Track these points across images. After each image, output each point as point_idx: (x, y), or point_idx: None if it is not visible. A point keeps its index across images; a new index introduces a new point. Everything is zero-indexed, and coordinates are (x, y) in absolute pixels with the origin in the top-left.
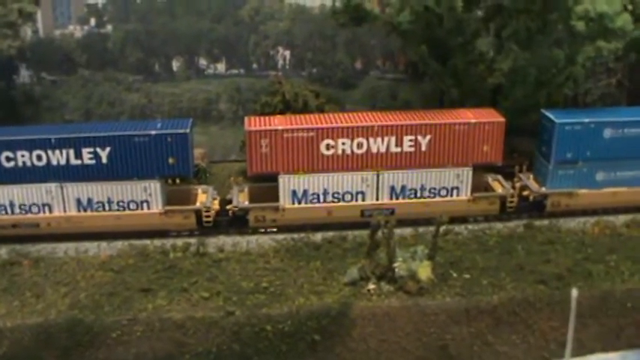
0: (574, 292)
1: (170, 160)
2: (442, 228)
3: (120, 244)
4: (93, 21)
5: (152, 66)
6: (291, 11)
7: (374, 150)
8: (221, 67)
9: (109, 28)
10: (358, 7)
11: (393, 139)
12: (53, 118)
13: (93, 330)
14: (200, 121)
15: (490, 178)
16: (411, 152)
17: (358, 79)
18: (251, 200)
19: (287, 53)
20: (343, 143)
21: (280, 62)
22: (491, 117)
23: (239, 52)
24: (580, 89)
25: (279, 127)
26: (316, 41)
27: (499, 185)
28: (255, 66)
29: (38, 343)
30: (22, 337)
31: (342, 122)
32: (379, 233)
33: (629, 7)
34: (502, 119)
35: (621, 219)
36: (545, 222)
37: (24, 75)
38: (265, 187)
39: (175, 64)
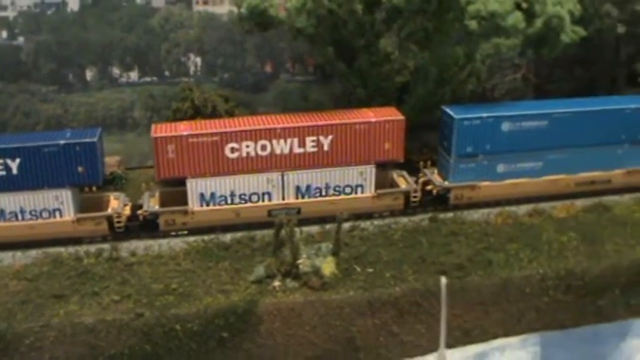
0: (443, 280)
1: (79, 169)
2: (348, 224)
3: (34, 253)
4: (4, 33)
5: (66, 76)
6: (200, 19)
7: (278, 151)
8: (134, 75)
9: (21, 40)
10: (263, 13)
11: (296, 140)
12: None
13: (6, 338)
14: (116, 128)
15: (395, 174)
16: (314, 152)
17: (269, 82)
18: (162, 204)
19: (198, 60)
20: (247, 146)
21: (192, 69)
22: (391, 115)
23: (151, 61)
24: (487, 84)
25: (184, 133)
26: (226, 47)
27: (404, 181)
28: (167, 73)
29: None
30: None
31: (245, 126)
32: (283, 232)
33: (524, 5)
34: (402, 117)
35: (523, 209)
36: (450, 214)
37: None
38: (176, 191)
39: (89, 74)
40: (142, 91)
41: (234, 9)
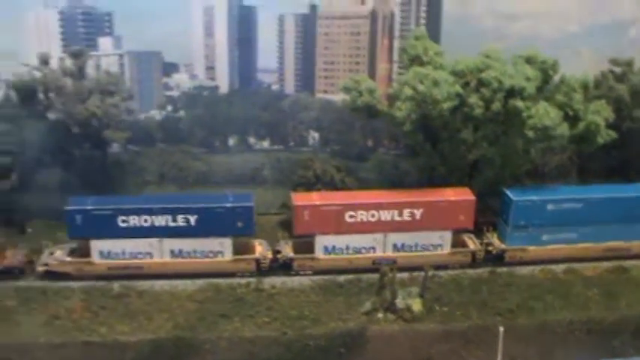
0: (501, 329)
1: (239, 224)
2: (430, 273)
3: (200, 282)
4: (169, 107)
5: (213, 142)
6: (320, 103)
7: (383, 219)
8: (266, 143)
9: (182, 112)
10: (372, 108)
11: (396, 211)
12: (135, 179)
13: (191, 344)
14: (249, 183)
15: (466, 237)
16: (409, 220)
17: (369, 153)
18: (294, 251)
19: (316, 135)
20: (362, 214)
21: (311, 141)
22: (465, 195)
23: (280, 133)
24: (539, 161)
25: (317, 203)
26: (338, 126)
27: (472, 242)
28: (291, 143)
29: (152, 354)
30: (142, 349)
31: (359, 199)
32: (385, 278)
33: (571, 112)
34: (473, 198)
35: (560, 267)
36: (505, 269)
37: (115, 146)
38: (303, 241)
39: (231, 141)
40: (272, 155)
41: (347, 97)
